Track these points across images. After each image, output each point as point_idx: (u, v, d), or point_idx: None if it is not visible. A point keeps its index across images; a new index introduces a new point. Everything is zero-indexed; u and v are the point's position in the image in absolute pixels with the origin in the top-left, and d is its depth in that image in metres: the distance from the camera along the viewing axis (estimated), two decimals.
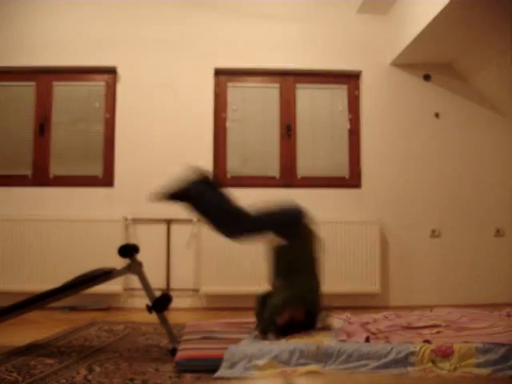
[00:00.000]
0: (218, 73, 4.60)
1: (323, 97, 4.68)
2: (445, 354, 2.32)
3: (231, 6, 4.58)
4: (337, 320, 3.08)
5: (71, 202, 4.39)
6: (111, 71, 4.54)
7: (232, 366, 2.32)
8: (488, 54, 4.16)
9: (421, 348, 2.35)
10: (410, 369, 2.27)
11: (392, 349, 2.36)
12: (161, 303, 2.76)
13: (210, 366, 2.36)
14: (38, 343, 2.92)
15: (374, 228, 4.36)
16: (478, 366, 2.25)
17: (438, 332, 2.64)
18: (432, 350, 2.33)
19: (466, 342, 2.39)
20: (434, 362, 2.29)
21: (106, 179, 4.49)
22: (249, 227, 2.82)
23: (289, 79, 4.66)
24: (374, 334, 2.65)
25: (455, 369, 2.24)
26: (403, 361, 2.30)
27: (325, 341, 2.52)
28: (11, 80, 4.54)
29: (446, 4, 3.43)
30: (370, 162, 4.57)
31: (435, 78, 4.62)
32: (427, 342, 2.45)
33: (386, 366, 2.29)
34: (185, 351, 2.50)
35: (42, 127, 4.49)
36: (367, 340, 2.52)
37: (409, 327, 2.77)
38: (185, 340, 2.73)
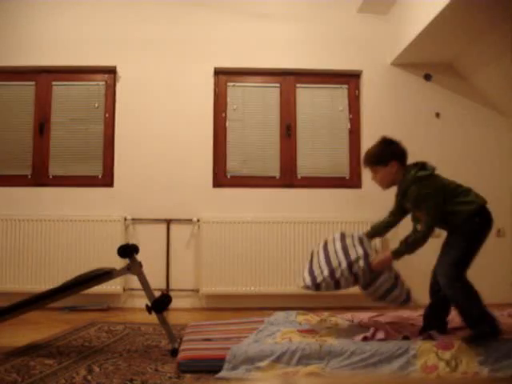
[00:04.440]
0: (218, 72, 4.59)
1: (323, 97, 4.68)
2: (446, 347, 2.33)
3: (231, 5, 4.57)
4: (341, 320, 3.08)
5: (71, 202, 4.38)
6: (111, 71, 4.54)
7: (234, 367, 2.33)
8: (488, 54, 4.16)
9: (422, 344, 2.37)
10: (412, 361, 2.27)
11: (393, 345, 2.38)
12: (160, 303, 2.76)
13: (212, 366, 2.36)
14: (38, 343, 2.92)
15: None
16: (480, 363, 2.25)
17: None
18: (433, 345, 2.35)
19: None
20: (436, 354, 2.30)
21: (105, 179, 4.49)
22: None
23: (289, 79, 4.66)
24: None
25: (456, 365, 2.24)
26: (405, 353, 2.31)
27: (328, 340, 2.52)
28: (11, 80, 4.53)
29: (446, 4, 3.43)
30: None
31: (436, 78, 4.62)
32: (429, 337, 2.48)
33: (389, 359, 2.30)
34: (187, 352, 2.50)
35: (42, 127, 4.49)
36: (365, 339, 2.53)
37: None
38: (186, 340, 2.73)
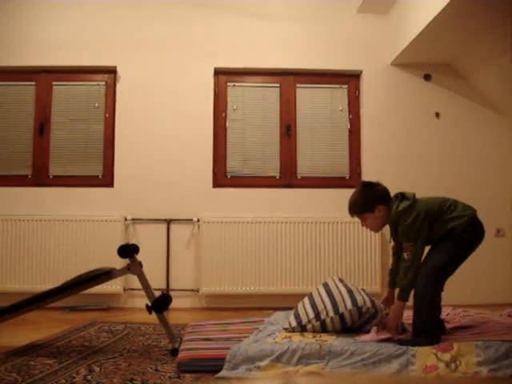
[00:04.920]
0: (218, 72, 4.60)
1: (323, 97, 4.68)
2: (445, 349, 2.33)
3: (231, 6, 4.57)
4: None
5: (71, 202, 4.38)
6: (111, 71, 4.54)
7: (234, 367, 2.33)
8: (488, 54, 4.16)
9: (420, 346, 2.37)
10: (412, 361, 2.28)
11: (393, 346, 2.38)
12: (160, 303, 2.76)
13: (212, 366, 2.36)
14: (38, 343, 2.92)
15: None
16: (479, 364, 2.25)
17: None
18: (432, 347, 2.35)
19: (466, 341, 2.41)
20: (435, 355, 2.30)
21: (105, 179, 4.49)
22: None
23: (289, 79, 4.66)
24: None
25: (456, 367, 2.24)
26: (405, 354, 2.31)
27: (328, 340, 2.53)
28: (11, 80, 4.53)
29: (446, 4, 3.42)
30: (370, 162, 4.56)
31: (435, 78, 4.62)
32: None
33: (388, 359, 2.30)
34: (187, 351, 2.50)
35: (42, 127, 4.49)
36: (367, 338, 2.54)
37: None
38: (186, 340, 2.73)
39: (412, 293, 2.59)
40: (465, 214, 2.60)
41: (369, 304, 2.71)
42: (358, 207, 2.73)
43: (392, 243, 2.88)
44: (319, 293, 2.91)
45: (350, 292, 2.79)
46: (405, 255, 2.59)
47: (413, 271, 2.54)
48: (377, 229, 2.79)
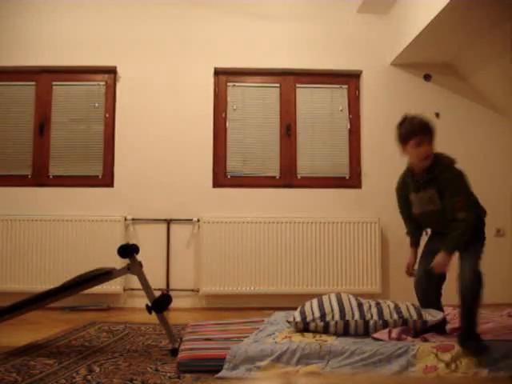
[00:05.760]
0: (218, 72, 4.60)
1: (323, 97, 4.68)
2: (446, 349, 2.33)
3: (231, 5, 4.57)
4: None
5: (71, 203, 4.38)
6: (111, 71, 4.54)
7: (234, 367, 2.33)
8: (488, 54, 4.16)
9: (421, 346, 2.37)
10: (412, 361, 2.27)
11: (393, 346, 2.38)
12: (160, 303, 2.77)
13: (212, 366, 2.37)
14: (38, 343, 2.92)
15: (374, 228, 4.36)
16: (479, 364, 2.25)
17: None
18: (433, 347, 2.34)
19: None
20: (435, 355, 2.30)
21: (105, 179, 4.49)
22: None
23: (289, 79, 4.66)
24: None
25: (456, 367, 2.24)
26: (405, 354, 2.31)
27: (328, 340, 2.53)
28: (11, 80, 4.53)
29: (446, 4, 3.43)
30: (370, 162, 4.57)
31: (435, 78, 4.62)
32: (425, 339, 2.48)
33: (388, 359, 2.30)
34: (187, 351, 2.50)
35: (42, 127, 4.49)
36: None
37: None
38: (186, 340, 2.73)
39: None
40: (482, 207, 2.66)
41: (376, 317, 2.71)
42: (432, 127, 2.72)
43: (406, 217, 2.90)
44: (329, 298, 2.90)
45: (360, 305, 2.79)
46: (459, 214, 2.52)
47: (470, 228, 2.52)
48: (430, 158, 2.76)
